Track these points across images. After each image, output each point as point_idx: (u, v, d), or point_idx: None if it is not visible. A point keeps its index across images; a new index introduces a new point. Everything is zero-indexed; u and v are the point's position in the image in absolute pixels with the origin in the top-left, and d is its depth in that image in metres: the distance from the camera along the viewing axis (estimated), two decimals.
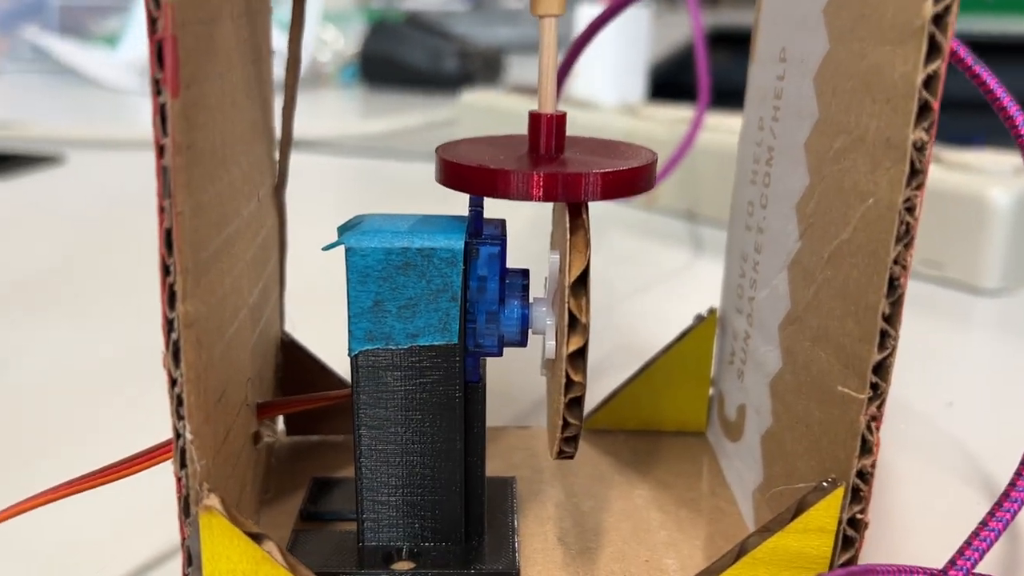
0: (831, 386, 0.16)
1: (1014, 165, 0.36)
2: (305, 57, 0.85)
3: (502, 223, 0.18)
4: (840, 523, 0.16)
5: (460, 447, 0.18)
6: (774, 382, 0.19)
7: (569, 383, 0.16)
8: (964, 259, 0.35)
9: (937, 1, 0.13)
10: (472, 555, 0.18)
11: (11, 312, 0.32)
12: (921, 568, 0.16)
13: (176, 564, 0.18)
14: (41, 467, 0.22)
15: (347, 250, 0.17)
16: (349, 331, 0.17)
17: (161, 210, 0.13)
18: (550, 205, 0.19)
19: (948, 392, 0.27)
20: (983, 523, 0.16)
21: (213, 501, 0.15)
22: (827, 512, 0.15)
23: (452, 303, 0.17)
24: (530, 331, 0.18)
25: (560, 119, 0.18)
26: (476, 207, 0.17)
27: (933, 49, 0.14)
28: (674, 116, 0.46)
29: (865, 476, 0.15)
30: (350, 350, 0.17)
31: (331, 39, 0.93)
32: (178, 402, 0.14)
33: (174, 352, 0.14)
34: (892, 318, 0.15)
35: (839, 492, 0.15)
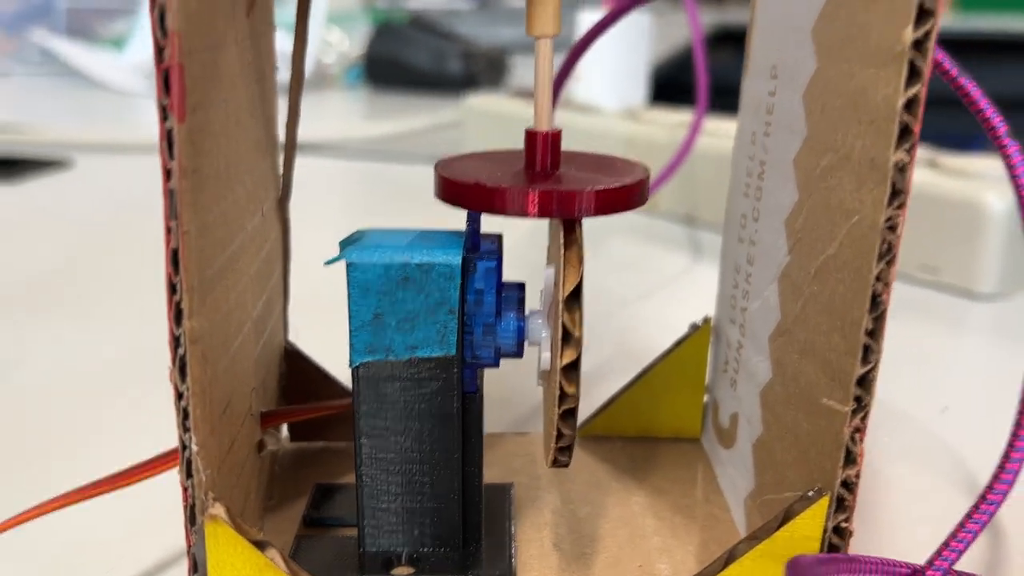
0: (817, 398, 0.16)
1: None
2: (310, 60, 0.86)
3: (499, 237, 0.19)
4: (825, 531, 0.16)
5: (458, 456, 0.18)
6: (764, 392, 0.19)
7: (563, 395, 0.16)
8: (960, 264, 0.36)
9: (917, 27, 0.14)
10: (470, 561, 0.18)
11: (16, 313, 0.33)
12: (904, 563, 0.16)
13: (182, 567, 0.19)
14: (48, 469, 0.23)
15: (348, 265, 0.17)
16: (350, 343, 0.17)
17: (168, 231, 0.14)
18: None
19: (943, 397, 0.28)
20: (963, 522, 0.16)
21: (218, 510, 0.15)
22: (813, 521, 0.16)
23: (450, 316, 0.17)
24: (526, 343, 0.18)
25: (555, 136, 0.18)
26: (473, 222, 0.18)
27: (913, 73, 0.14)
28: (675, 120, 0.47)
29: (850, 486, 0.16)
30: (351, 362, 0.18)
31: (336, 41, 0.93)
32: (184, 415, 0.15)
33: (180, 367, 0.14)
34: (875, 333, 0.15)
35: (824, 502, 0.16)
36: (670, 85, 0.65)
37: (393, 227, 0.19)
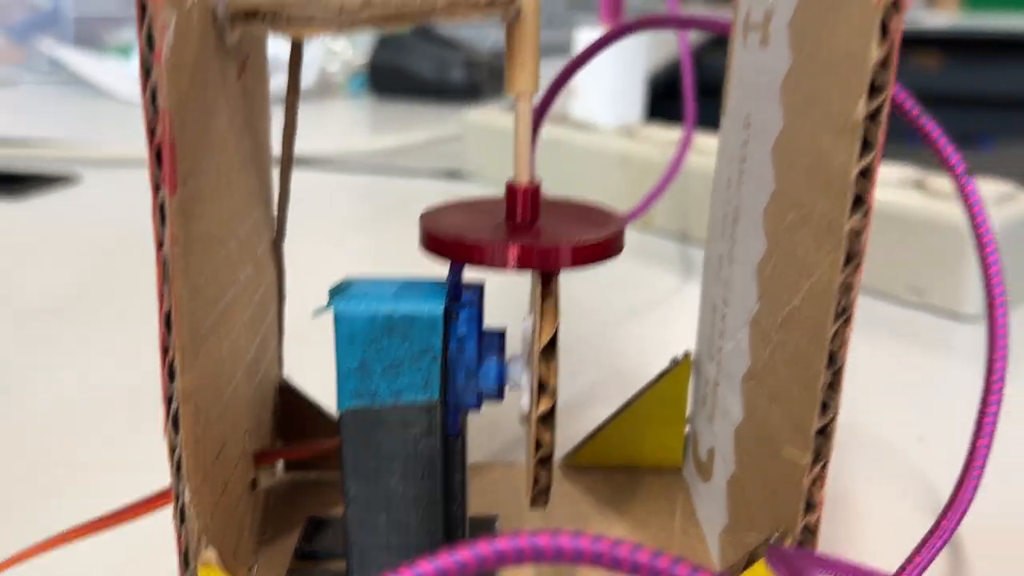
0: (782, 445, 0.17)
1: (997, 194, 0.37)
2: (315, 69, 0.86)
3: (480, 286, 0.19)
4: None
5: (441, 495, 0.19)
6: (738, 431, 0.20)
7: (539, 443, 0.17)
8: (946, 286, 0.36)
9: (870, 101, 0.15)
10: None
11: (23, 337, 0.34)
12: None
13: None
14: (57, 496, 0.24)
15: (335, 316, 0.18)
16: (337, 388, 0.18)
17: (160, 296, 0.15)
18: None
19: (921, 425, 0.28)
20: (923, 541, 0.17)
21: (210, 555, 0.16)
22: None
23: (433, 364, 0.18)
24: (507, 386, 0.19)
25: (535, 190, 0.19)
26: (456, 272, 0.19)
27: (867, 145, 0.15)
28: (670, 138, 0.47)
29: (811, 530, 0.17)
30: (338, 406, 0.18)
31: (340, 49, 0.94)
32: (177, 466, 0.16)
33: (174, 422, 0.15)
34: (834, 386, 0.16)
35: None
36: (674, 88, 0.66)
37: (379, 276, 0.19)
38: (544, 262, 0.18)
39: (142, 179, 0.59)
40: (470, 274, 0.19)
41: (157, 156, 0.14)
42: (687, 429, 0.25)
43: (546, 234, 0.18)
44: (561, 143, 0.51)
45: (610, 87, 0.50)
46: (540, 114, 0.29)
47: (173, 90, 0.14)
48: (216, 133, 0.17)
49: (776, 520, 0.17)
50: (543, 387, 0.17)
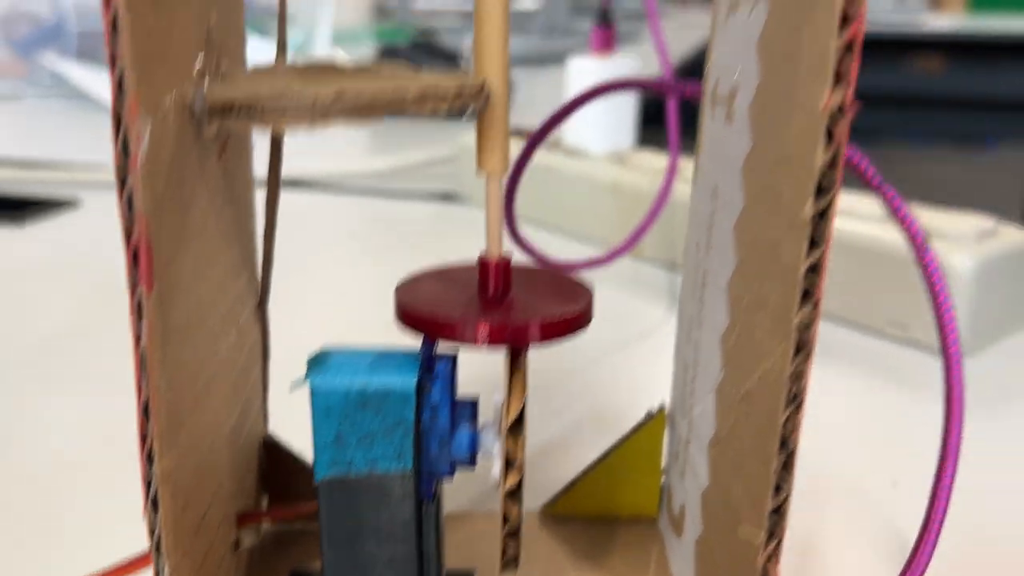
0: (740, 518, 0.18)
1: (979, 229, 0.38)
2: None
3: (453, 357, 0.20)
4: None
5: (416, 557, 0.20)
6: (705, 495, 0.21)
7: (506, 517, 0.18)
8: (928, 321, 0.37)
9: (818, 200, 0.15)
10: None
11: (22, 379, 0.35)
12: None
13: None
14: (62, 547, 0.24)
15: (311, 390, 0.19)
16: (314, 459, 0.19)
17: (139, 387, 0.15)
18: None
19: (896, 468, 0.29)
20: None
21: None
22: None
23: (406, 436, 0.19)
24: (479, 454, 0.20)
25: (506, 264, 0.20)
26: (429, 346, 0.19)
27: (815, 242, 0.15)
28: (660, 165, 0.48)
29: None
30: (315, 475, 0.19)
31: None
32: (156, 545, 0.16)
33: (153, 503, 0.16)
34: (787, 469, 0.16)
35: None
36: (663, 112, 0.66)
37: (355, 347, 0.20)
38: (513, 339, 0.18)
39: None
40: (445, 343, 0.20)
41: (134, 257, 0.15)
42: (663, 479, 0.25)
43: (516, 310, 0.19)
44: (552, 169, 0.51)
45: (601, 113, 0.51)
46: (528, 152, 0.30)
47: (148, 195, 0.15)
48: (194, 221, 0.17)
49: None
50: (510, 463, 0.18)
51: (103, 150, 0.73)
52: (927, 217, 0.39)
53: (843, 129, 0.15)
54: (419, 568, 0.20)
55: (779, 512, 0.17)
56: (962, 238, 0.37)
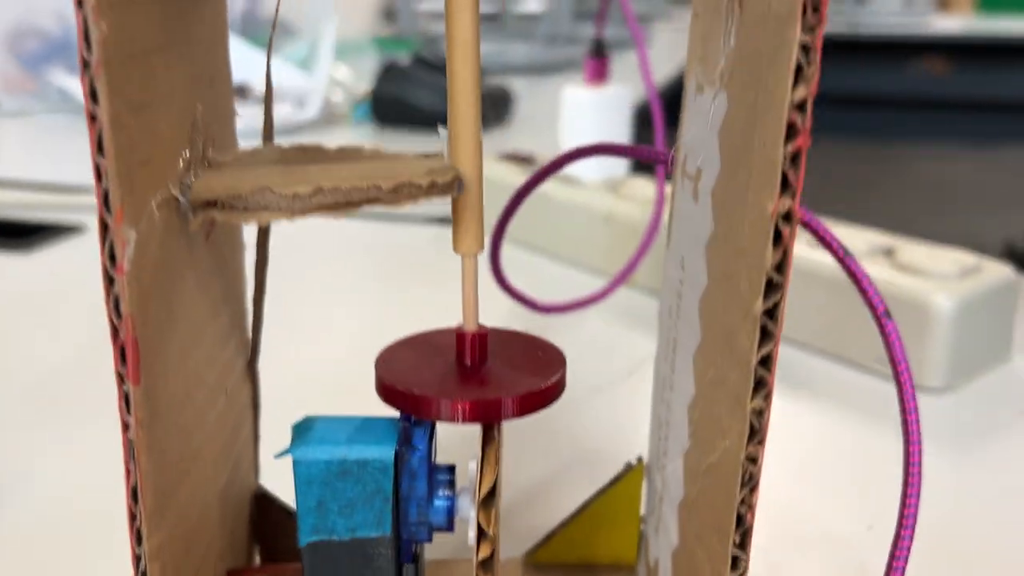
0: None
1: (961, 267, 0.38)
2: (320, 101, 0.88)
3: (432, 425, 0.21)
4: None
5: None
6: (675, 555, 0.21)
7: None
8: (912, 359, 0.37)
9: (767, 298, 0.16)
10: None
11: (29, 414, 0.36)
12: None
13: None
14: None
15: (294, 461, 0.20)
16: (298, 525, 0.20)
17: (127, 471, 0.16)
18: None
19: (872, 511, 0.30)
20: None
21: None
22: None
23: (385, 503, 0.20)
24: (456, 518, 0.21)
25: (483, 337, 0.21)
26: (407, 417, 0.20)
27: (765, 335, 0.16)
28: (652, 194, 0.49)
29: None
30: (299, 541, 0.20)
31: (343, 78, 0.96)
32: None
33: None
34: (743, 547, 0.17)
35: None
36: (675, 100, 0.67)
37: (338, 415, 0.21)
38: (487, 417, 0.19)
39: None
40: None
41: (121, 354, 0.16)
42: (642, 528, 0.26)
43: (491, 384, 0.20)
44: (546, 197, 0.52)
45: (595, 141, 0.51)
46: (512, 208, 0.31)
47: (134, 295, 0.16)
48: (181, 304, 0.18)
49: None
50: (483, 534, 0.19)
51: None
52: (911, 253, 0.40)
53: (792, 233, 0.16)
54: None
55: None
56: (944, 276, 0.38)
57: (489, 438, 0.19)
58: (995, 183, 1.98)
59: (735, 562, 0.17)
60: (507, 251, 0.33)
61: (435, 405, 0.19)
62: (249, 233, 0.23)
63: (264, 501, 0.25)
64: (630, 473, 0.25)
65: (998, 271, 0.39)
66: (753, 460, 0.17)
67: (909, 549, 0.22)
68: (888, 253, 0.40)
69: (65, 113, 0.96)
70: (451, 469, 0.21)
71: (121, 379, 0.16)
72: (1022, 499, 0.31)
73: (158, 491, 0.17)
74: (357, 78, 0.99)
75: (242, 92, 0.86)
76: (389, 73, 0.90)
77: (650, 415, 0.26)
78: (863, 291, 0.22)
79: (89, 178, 0.15)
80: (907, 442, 0.21)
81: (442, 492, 0.20)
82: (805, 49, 0.15)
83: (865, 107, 2.25)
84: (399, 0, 1.53)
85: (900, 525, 0.22)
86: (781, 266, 0.16)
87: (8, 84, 0.98)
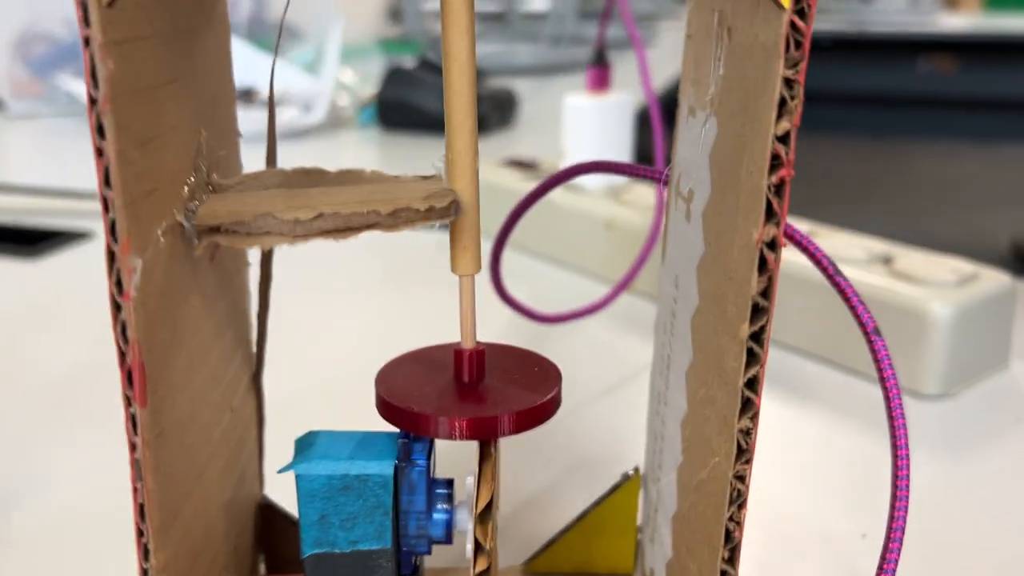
0: None
1: (959, 275, 0.39)
2: (326, 104, 0.89)
3: (430, 441, 0.21)
4: None
5: None
6: (669, 566, 0.22)
7: None
8: (907, 366, 0.38)
9: (753, 323, 0.16)
10: None
11: (41, 421, 0.36)
12: None
13: None
14: None
15: (297, 476, 0.20)
16: (301, 538, 0.20)
17: (135, 490, 0.17)
18: None
19: (866, 519, 0.30)
20: None
21: None
22: None
23: (385, 517, 0.20)
24: (455, 531, 0.21)
25: (480, 354, 0.21)
26: (406, 434, 0.21)
27: (752, 357, 0.17)
28: (653, 201, 0.49)
29: None
30: (302, 552, 0.21)
31: (349, 81, 0.96)
32: None
33: None
34: (731, 562, 0.18)
35: None
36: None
37: (340, 431, 0.22)
38: (484, 434, 0.20)
39: None
40: None
41: (128, 377, 0.16)
42: (639, 537, 0.27)
43: (488, 402, 0.20)
44: (548, 203, 0.52)
45: (597, 148, 0.52)
46: (510, 226, 0.31)
47: (141, 321, 0.16)
48: (186, 327, 0.19)
49: None
50: (479, 547, 0.19)
51: None
52: (909, 261, 0.40)
53: (776, 259, 0.16)
54: None
55: None
56: (941, 284, 0.38)
57: (486, 454, 0.20)
58: (1002, 181, 1.98)
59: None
60: (508, 257, 0.33)
61: (433, 423, 0.20)
62: (253, 250, 0.24)
63: (269, 511, 0.25)
64: (627, 484, 0.26)
65: (996, 279, 0.39)
66: (741, 479, 0.17)
67: (897, 561, 0.22)
68: (886, 261, 0.41)
69: (73, 117, 0.97)
70: (450, 483, 0.21)
71: (128, 401, 0.16)
72: (1019, 505, 0.31)
73: (164, 508, 0.18)
74: (363, 82, 1.00)
75: (247, 96, 0.86)
76: (394, 77, 0.90)
77: (646, 427, 0.26)
78: (852, 308, 0.22)
79: (96, 184, 0.15)
80: (896, 456, 0.22)
81: (441, 506, 0.21)
82: (789, 83, 0.15)
83: (872, 105, 2.25)
84: (405, 0, 1.54)
85: (888, 539, 0.23)
86: (766, 292, 0.16)
87: (16, 88, 0.99)
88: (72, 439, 0.35)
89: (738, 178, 0.17)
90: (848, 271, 0.40)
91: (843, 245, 0.42)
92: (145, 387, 0.16)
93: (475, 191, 0.20)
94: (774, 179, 0.15)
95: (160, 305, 0.17)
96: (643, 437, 0.26)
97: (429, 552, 0.21)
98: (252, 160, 0.23)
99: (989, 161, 2.10)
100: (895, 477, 0.22)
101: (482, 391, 0.21)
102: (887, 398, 0.23)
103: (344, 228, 0.18)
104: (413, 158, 0.79)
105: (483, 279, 0.25)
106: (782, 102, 0.15)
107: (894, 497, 0.22)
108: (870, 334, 0.23)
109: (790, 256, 0.30)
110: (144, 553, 0.17)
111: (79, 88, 0.96)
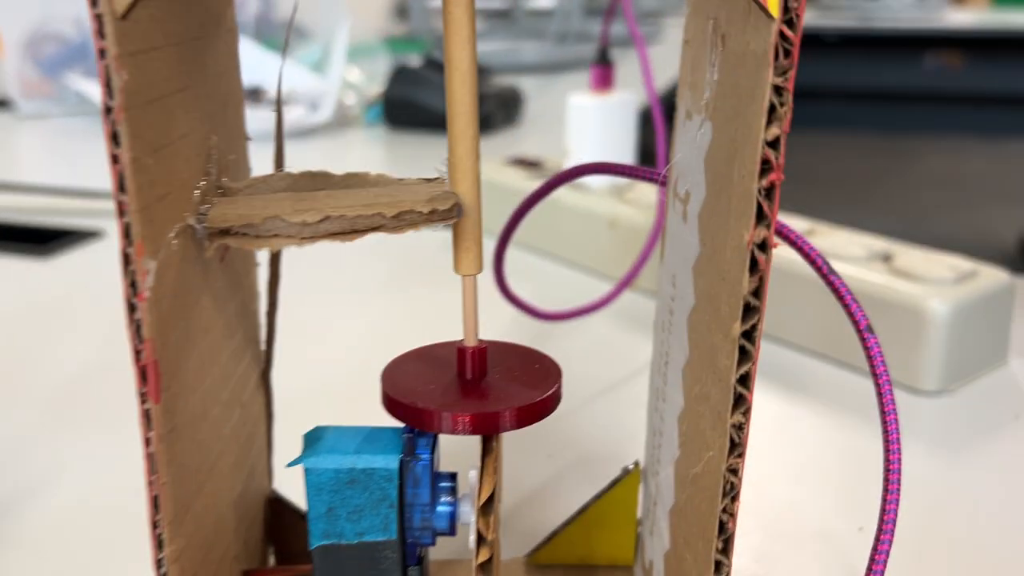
0: None
1: (958, 272, 0.39)
2: (333, 103, 0.89)
3: (435, 435, 0.22)
4: None
5: None
6: (667, 558, 0.23)
7: None
8: (905, 363, 0.38)
9: (744, 322, 0.17)
10: None
11: (51, 418, 0.37)
12: None
13: None
14: None
15: (305, 470, 0.21)
16: (309, 530, 0.21)
17: (149, 483, 0.18)
18: None
19: (862, 513, 0.31)
20: None
21: None
22: None
23: (391, 509, 0.21)
24: (458, 523, 0.22)
25: (482, 352, 0.22)
26: (410, 429, 0.21)
27: (744, 355, 0.17)
28: (655, 200, 0.50)
29: None
30: (310, 544, 0.21)
31: (356, 80, 0.97)
32: None
33: None
34: (725, 552, 0.18)
35: None
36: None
37: (347, 425, 0.22)
38: (486, 429, 0.20)
39: None
40: None
41: (143, 374, 0.17)
42: (639, 529, 0.27)
43: (490, 398, 0.21)
44: (551, 201, 0.53)
45: (600, 147, 0.52)
46: (512, 226, 0.32)
47: (154, 321, 0.17)
48: (198, 326, 0.19)
49: None
50: (482, 539, 0.20)
51: None
52: (908, 258, 0.40)
53: (767, 261, 0.17)
54: None
55: None
56: (940, 281, 0.39)
57: (488, 449, 0.20)
58: (1009, 176, 1.98)
59: (718, 567, 0.18)
60: (511, 254, 0.34)
61: (437, 418, 0.20)
62: (262, 252, 0.24)
63: (278, 505, 0.26)
64: (627, 477, 0.26)
65: (994, 276, 0.40)
66: (734, 472, 0.18)
67: (888, 553, 0.23)
68: (886, 258, 0.41)
69: (83, 116, 0.98)
70: (453, 476, 0.22)
71: (143, 398, 0.17)
72: (1017, 501, 0.32)
73: (177, 501, 0.18)
74: (369, 80, 1.01)
75: (255, 95, 0.87)
76: (400, 75, 0.91)
77: (646, 422, 0.27)
78: (846, 306, 0.23)
79: (107, 182, 0.16)
80: (887, 450, 0.22)
81: (444, 499, 0.22)
82: (778, 90, 0.16)
83: (879, 101, 2.25)
84: None
85: (880, 530, 0.23)
86: (758, 292, 0.17)
87: (27, 88, 1.00)
88: (83, 437, 0.36)
89: (731, 181, 0.17)
90: (847, 268, 0.40)
91: (843, 243, 0.42)
92: (159, 384, 0.17)
93: (477, 194, 0.20)
94: (764, 183, 0.16)
95: (173, 305, 0.18)
96: (642, 434, 0.27)
97: (433, 543, 0.22)
98: (260, 159, 0.24)
99: (996, 157, 2.10)
100: (887, 471, 0.23)
101: (484, 388, 0.21)
102: (879, 394, 0.23)
103: (350, 230, 0.19)
104: (419, 156, 0.80)
105: (487, 278, 0.25)
106: (771, 109, 0.16)
107: (886, 491, 0.23)
108: (863, 331, 0.23)
109: (788, 254, 0.31)
110: (158, 543, 0.18)
111: (89, 88, 0.97)
